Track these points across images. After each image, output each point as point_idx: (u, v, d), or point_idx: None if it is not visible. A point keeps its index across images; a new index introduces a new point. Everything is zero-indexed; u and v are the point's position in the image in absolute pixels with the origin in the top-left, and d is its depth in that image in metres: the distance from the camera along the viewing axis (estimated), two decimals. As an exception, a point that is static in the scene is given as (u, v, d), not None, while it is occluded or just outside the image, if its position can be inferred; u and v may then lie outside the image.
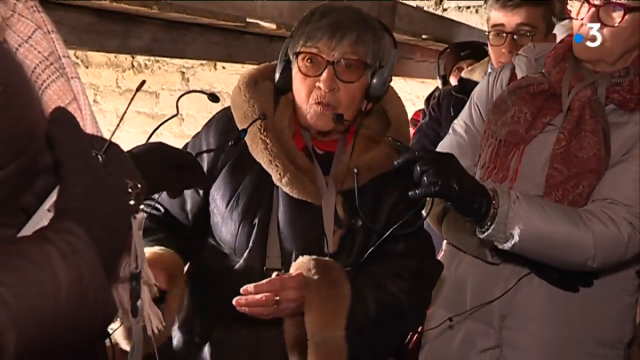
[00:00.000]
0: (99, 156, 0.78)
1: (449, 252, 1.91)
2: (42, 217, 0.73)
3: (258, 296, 1.39)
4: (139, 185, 0.79)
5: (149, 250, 1.47)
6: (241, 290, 1.40)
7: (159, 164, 1.29)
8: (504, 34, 2.28)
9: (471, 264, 1.83)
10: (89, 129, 0.86)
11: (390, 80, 1.60)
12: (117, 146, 0.82)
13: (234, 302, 1.40)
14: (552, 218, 1.55)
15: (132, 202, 0.78)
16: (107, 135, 0.85)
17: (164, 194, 1.57)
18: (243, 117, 1.55)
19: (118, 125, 0.88)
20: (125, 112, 0.99)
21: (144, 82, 0.93)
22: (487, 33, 2.38)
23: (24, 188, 0.74)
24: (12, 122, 0.70)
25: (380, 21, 1.60)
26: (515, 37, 2.26)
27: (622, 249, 1.58)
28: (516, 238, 1.53)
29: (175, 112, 1.52)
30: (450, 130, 1.91)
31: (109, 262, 0.75)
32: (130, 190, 0.78)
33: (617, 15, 1.58)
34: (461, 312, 1.81)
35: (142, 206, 0.80)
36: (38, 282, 0.64)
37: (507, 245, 1.56)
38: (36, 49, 0.84)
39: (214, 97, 1.52)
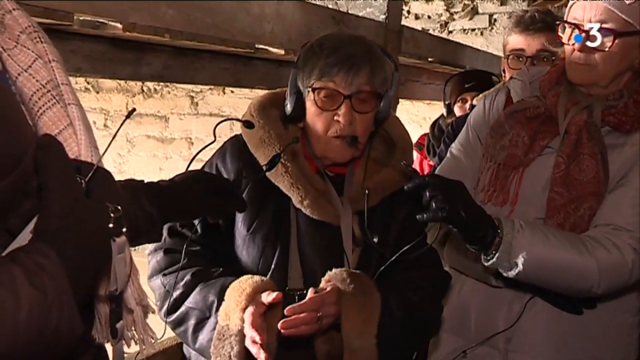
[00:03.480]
0: (82, 181, 0.80)
1: (451, 276, 1.89)
2: (25, 239, 0.76)
3: (302, 315, 1.41)
4: (120, 209, 0.81)
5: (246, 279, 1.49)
6: (285, 312, 1.41)
7: (202, 191, 1.34)
8: (523, 58, 2.28)
9: (474, 287, 1.84)
10: (83, 153, 0.89)
11: (397, 102, 1.64)
12: (104, 171, 0.85)
13: (279, 325, 1.41)
14: (556, 246, 1.55)
15: (111, 225, 0.80)
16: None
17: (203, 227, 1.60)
18: (259, 143, 1.60)
19: (104, 152, 0.90)
20: (114, 137, 1.01)
21: (133, 109, 0.97)
22: (506, 57, 2.37)
23: (9, 210, 0.77)
24: None
25: (380, 46, 1.65)
26: (534, 61, 2.26)
27: (626, 274, 1.58)
28: (520, 267, 1.54)
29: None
30: (449, 154, 1.93)
31: (83, 282, 0.78)
32: (111, 214, 0.80)
33: (608, 40, 1.60)
34: (466, 335, 1.82)
35: (123, 229, 0.82)
36: None
37: (511, 274, 1.57)
38: (35, 78, 0.88)
39: (248, 124, 1.57)
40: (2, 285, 0.67)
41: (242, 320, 1.43)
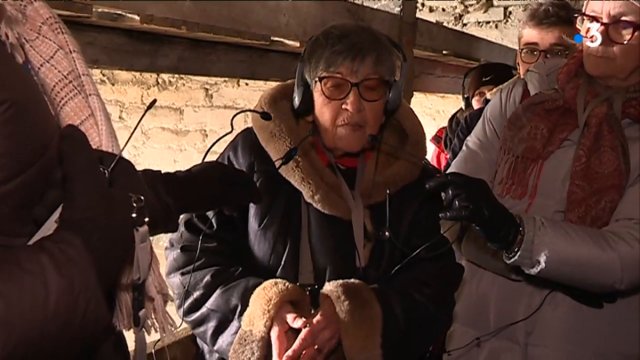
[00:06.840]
0: (106, 171, 0.81)
1: (469, 269, 1.89)
2: (50, 228, 0.76)
3: (300, 357, 1.42)
4: (142, 199, 0.81)
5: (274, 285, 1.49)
6: (284, 359, 1.42)
7: (218, 182, 1.33)
8: (537, 52, 2.29)
9: (493, 280, 1.82)
10: (104, 144, 0.89)
11: (411, 95, 1.63)
12: (126, 162, 0.86)
13: None
14: (578, 242, 1.54)
15: (134, 215, 0.81)
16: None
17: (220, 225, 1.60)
18: (270, 137, 1.59)
19: (127, 142, 0.90)
20: (135, 129, 1.02)
21: (154, 100, 0.97)
22: (520, 51, 2.38)
23: (35, 200, 0.78)
24: (19, 137, 0.74)
25: (387, 36, 1.65)
26: (548, 55, 2.26)
27: None
28: (542, 264, 1.53)
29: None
30: (464, 147, 1.92)
31: (108, 271, 0.78)
32: (134, 204, 0.81)
33: (627, 33, 1.59)
34: (485, 328, 1.81)
35: (146, 219, 0.82)
36: (29, 291, 0.67)
37: (533, 271, 1.56)
38: (56, 68, 0.89)
39: (265, 115, 1.56)
40: (32, 273, 0.68)
41: (267, 328, 1.44)
